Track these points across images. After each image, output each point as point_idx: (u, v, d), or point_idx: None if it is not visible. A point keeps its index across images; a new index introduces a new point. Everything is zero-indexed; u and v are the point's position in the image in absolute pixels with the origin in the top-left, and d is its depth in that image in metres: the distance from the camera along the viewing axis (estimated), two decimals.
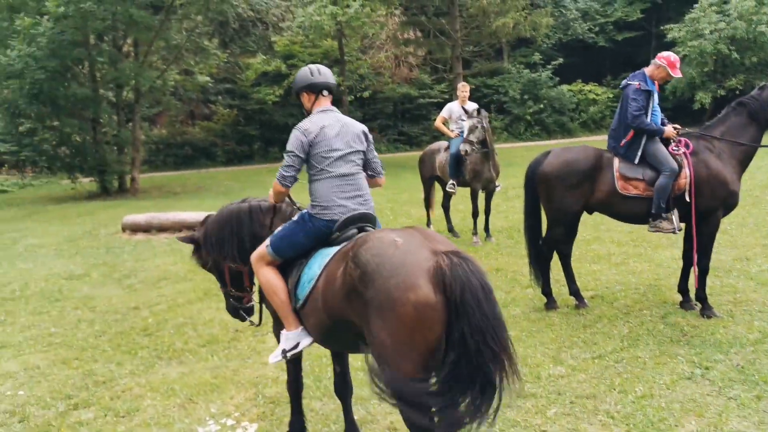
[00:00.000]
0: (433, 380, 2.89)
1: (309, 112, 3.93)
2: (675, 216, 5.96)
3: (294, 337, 3.70)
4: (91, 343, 6.27)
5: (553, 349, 5.34)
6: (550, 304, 6.47)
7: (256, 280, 4.16)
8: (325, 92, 3.92)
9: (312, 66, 3.99)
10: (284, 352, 3.73)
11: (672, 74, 6.14)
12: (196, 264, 4.57)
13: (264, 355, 5.59)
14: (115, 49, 20.07)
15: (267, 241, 3.79)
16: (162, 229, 11.98)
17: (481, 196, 9.84)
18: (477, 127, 9.09)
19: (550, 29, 28.74)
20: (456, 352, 2.82)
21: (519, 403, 4.37)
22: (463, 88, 10.18)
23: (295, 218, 3.81)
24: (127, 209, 15.52)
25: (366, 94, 27.70)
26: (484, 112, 9.33)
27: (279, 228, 3.84)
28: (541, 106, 31.68)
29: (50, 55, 17.49)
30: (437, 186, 10.76)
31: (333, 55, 28.12)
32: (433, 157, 10.39)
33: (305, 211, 3.79)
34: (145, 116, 26.08)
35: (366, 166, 3.97)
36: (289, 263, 3.75)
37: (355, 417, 4.28)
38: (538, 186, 6.39)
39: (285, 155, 3.76)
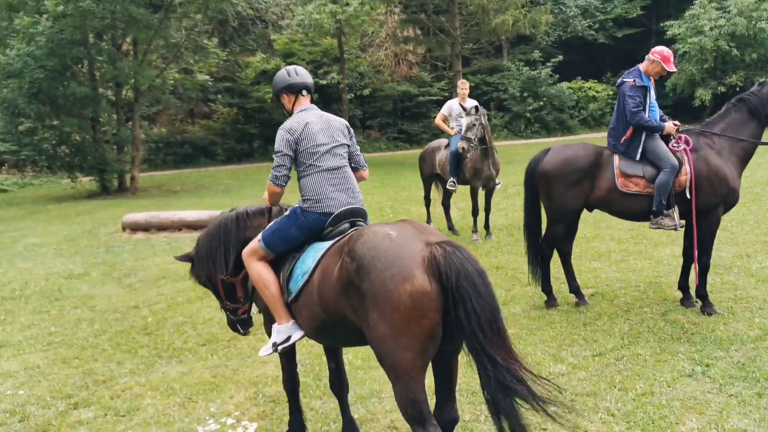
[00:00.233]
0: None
1: (289, 112, 3.99)
2: (676, 213, 5.95)
3: (285, 330, 3.72)
4: (90, 342, 6.27)
5: (554, 347, 5.33)
6: (550, 301, 6.46)
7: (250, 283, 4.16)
8: (304, 92, 3.99)
9: (288, 67, 4.06)
10: (275, 345, 3.75)
11: (666, 68, 6.10)
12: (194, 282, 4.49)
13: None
14: (114, 48, 20.07)
15: (259, 236, 3.82)
16: (162, 228, 11.98)
17: (481, 194, 9.83)
18: (475, 124, 9.07)
19: (549, 26, 28.68)
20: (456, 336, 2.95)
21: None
22: (463, 86, 10.17)
23: (287, 213, 3.85)
24: (126, 208, 15.52)
25: (366, 92, 27.67)
26: (482, 110, 9.32)
27: (271, 223, 3.87)
28: (541, 103, 31.67)
29: (49, 54, 17.49)
30: (437, 183, 10.76)
31: (332, 53, 28.11)
32: (434, 155, 10.38)
33: (297, 205, 3.83)
34: (144, 115, 26.09)
35: (349, 159, 4.00)
36: (280, 258, 3.78)
37: (355, 416, 4.28)
38: (538, 184, 6.38)
39: (274, 156, 3.81)
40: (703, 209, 5.89)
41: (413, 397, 2.95)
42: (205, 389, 4.98)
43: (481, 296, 2.88)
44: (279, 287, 3.70)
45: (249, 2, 28.71)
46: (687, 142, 5.97)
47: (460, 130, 9.79)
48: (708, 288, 6.06)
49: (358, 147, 4.11)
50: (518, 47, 35.46)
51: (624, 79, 6.18)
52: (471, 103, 9.96)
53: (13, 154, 23.50)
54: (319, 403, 4.66)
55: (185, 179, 23.35)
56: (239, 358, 5.61)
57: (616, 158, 6.11)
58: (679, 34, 29.76)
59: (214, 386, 5.03)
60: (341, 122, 4.00)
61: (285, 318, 3.71)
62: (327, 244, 3.55)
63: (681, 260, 6.38)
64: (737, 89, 26.48)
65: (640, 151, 6.03)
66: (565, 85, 32.67)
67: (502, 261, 8.33)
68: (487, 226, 9.96)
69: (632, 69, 6.24)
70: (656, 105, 6.25)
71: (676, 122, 6.20)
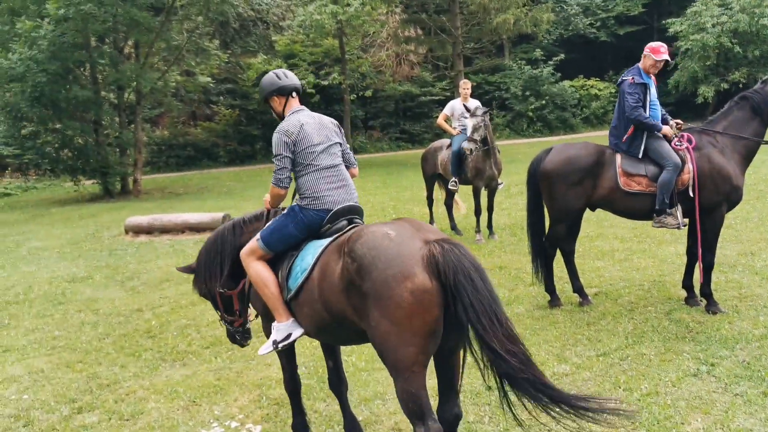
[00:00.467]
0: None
1: (280, 115, 4.04)
2: (679, 211, 5.93)
3: (285, 328, 3.74)
4: (94, 346, 6.27)
5: (557, 347, 5.32)
6: (554, 301, 6.44)
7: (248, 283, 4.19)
8: (294, 94, 4.03)
9: (277, 71, 4.09)
10: (275, 343, 3.77)
11: (656, 58, 6.07)
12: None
13: (268, 356, 5.54)
14: (116, 51, 20.09)
15: (257, 235, 3.86)
16: (164, 230, 11.99)
17: (484, 194, 9.82)
18: (481, 125, 9.09)
19: (551, 25, 28.67)
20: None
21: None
22: (465, 86, 10.16)
23: (284, 212, 3.91)
24: (129, 211, 15.54)
25: (368, 93, 27.65)
26: (485, 109, 9.33)
27: (269, 223, 3.92)
28: (543, 102, 31.63)
29: (51, 57, 17.51)
30: (440, 183, 10.75)
31: (334, 53, 28.11)
32: (436, 154, 10.37)
33: (294, 204, 3.88)
34: (146, 118, 26.09)
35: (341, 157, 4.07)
36: (277, 257, 3.82)
37: (359, 418, 4.28)
38: (540, 183, 6.37)
39: (274, 159, 3.85)
40: (707, 207, 5.87)
41: (414, 392, 3.01)
42: (209, 392, 4.98)
43: (477, 290, 2.95)
44: (278, 285, 3.73)
45: (250, 4, 28.70)
46: (690, 141, 5.95)
47: (463, 129, 9.79)
48: (712, 286, 6.03)
49: (348, 146, 4.18)
50: (520, 46, 35.43)
51: (624, 78, 6.19)
52: (473, 103, 9.95)
53: (16, 157, 23.54)
54: (323, 405, 4.65)
55: (188, 181, 23.37)
56: (243, 361, 5.60)
57: (618, 157, 6.09)
58: (681, 31, 29.70)
59: (218, 389, 5.03)
60: (332, 121, 4.07)
61: (284, 316, 3.73)
62: (325, 241, 3.59)
63: (685, 259, 6.36)
64: (740, 86, 26.41)
65: (642, 149, 6.01)
66: (567, 83, 32.63)
67: (506, 261, 8.31)
68: (490, 225, 9.94)
69: (632, 67, 6.24)
70: (658, 103, 6.23)
71: (679, 121, 6.19)
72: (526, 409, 3.04)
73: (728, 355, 4.89)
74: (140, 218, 12.41)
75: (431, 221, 10.76)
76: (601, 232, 9.47)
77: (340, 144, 4.03)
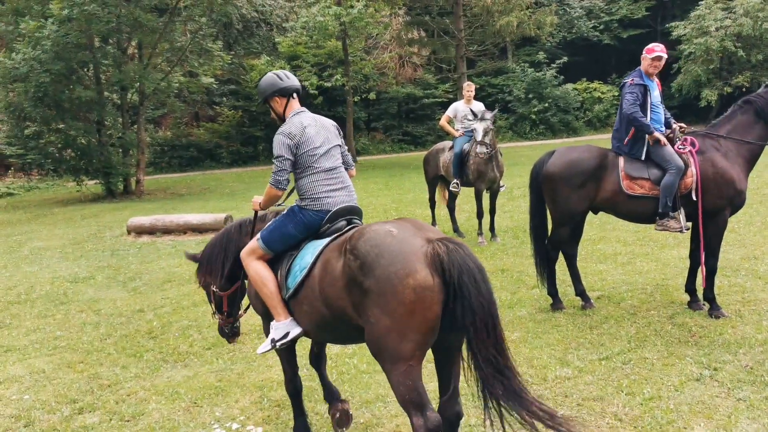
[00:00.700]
0: None
1: (281, 116, 4.05)
2: (681, 215, 5.91)
3: (283, 327, 3.77)
4: (96, 347, 6.27)
5: (560, 351, 5.30)
6: (556, 304, 6.43)
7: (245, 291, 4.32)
8: (294, 95, 4.06)
9: (278, 72, 4.11)
10: (273, 341, 3.80)
11: (649, 56, 6.10)
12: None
13: (269, 358, 5.57)
14: (119, 52, 20.11)
15: (258, 235, 3.92)
16: (167, 231, 12.00)
17: (486, 196, 9.82)
18: (491, 129, 9.12)
19: (554, 28, 28.66)
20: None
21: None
22: (469, 88, 10.15)
23: (284, 212, 3.94)
24: (132, 211, 15.56)
25: (372, 95, 27.67)
26: (493, 113, 9.36)
27: (269, 223, 3.97)
28: (546, 105, 31.62)
29: (55, 58, 17.53)
30: (442, 185, 10.74)
31: (337, 55, 28.12)
32: (438, 156, 10.38)
33: (294, 205, 3.92)
34: (149, 118, 26.17)
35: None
36: (277, 257, 3.87)
37: (360, 420, 4.28)
38: (543, 186, 6.36)
39: (274, 161, 3.87)
40: (710, 211, 5.86)
41: (412, 384, 3.07)
42: (210, 393, 4.97)
43: (481, 294, 3.01)
44: (277, 284, 3.78)
45: (253, 5, 28.74)
46: (693, 144, 5.94)
47: (466, 131, 9.81)
48: (715, 291, 6.02)
49: (346, 147, 4.22)
50: (523, 49, 35.44)
51: (624, 80, 6.23)
52: (477, 105, 9.97)
53: (20, 157, 23.60)
54: (324, 407, 4.63)
55: (190, 182, 23.39)
56: (244, 362, 5.59)
57: (621, 160, 6.08)
58: (684, 34, 29.71)
59: (220, 390, 5.02)
60: (332, 123, 4.11)
61: (283, 315, 3.77)
62: (325, 240, 3.63)
63: (688, 263, 6.34)
64: (743, 90, 26.41)
65: (644, 151, 6.01)
66: (570, 86, 32.63)
67: (508, 264, 8.30)
68: (492, 228, 9.93)
69: (633, 70, 6.26)
70: (660, 105, 6.23)
71: (682, 124, 6.19)
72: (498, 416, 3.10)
73: (731, 360, 4.87)
74: (142, 219, 12.41)
75: (433, 223, 10.76)
76: (603, 236, 9.45)
77: (340, 146, 4.07)
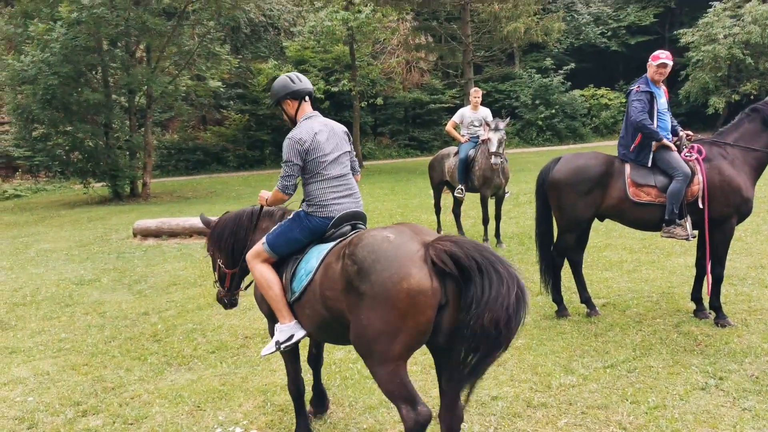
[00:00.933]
0: None
1: (292, 119, 4.08)
2: (688, 223, 5.89)
3: (287, 329, 3.83)
4: (100, 349, 6.27)
5: (564, 358, 5.28)
6: (561, 311, 6.40)
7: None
8: (306, 98, 4.07)
9: (290, 74, 4.12)
10: (278, 343, 3.87)
11: (654, 63, 6.10)
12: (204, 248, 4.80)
13: (273, 362, 5.57)
14: (127, 55, 20.20)
15: (263, 239, 3.95)
16: (173, 234, 12.02)
17: (491, 202, 9.82)
18: (505, 139, 9.16)
19: (561, 34, 28.67)
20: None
21: (529, 413, 4.33)
22: (476, 94, 10.16)
23: (290, 216, 3.99)
24: (138, 214, 15.60)
25: (379, 100, 27.73)
26: (506, 122, 9.40)
27: (275, 227, 4.02)
28: (553, 111, 31.61)
29: (63, 60, 17.63)
30: (447, 191, 10.75)
31: (344, 60, 28.19)
32: (443, 162, 10.39)
33: (300, 209, 3.96)
34: (157, 121, 26.24)
35: None
36: (282, 260, 3.92)
37: (363, 426, 4.27)
38: (549, 192, 6.35)
39: (283, 165, 3.90)
40: (717, 219, 5.83)
41: (400, 381, 3.17)
42: (213, 397, 4.96)
43: (502, 280, 3.00)
44: (282, 288, 3.83)
45: (261, 9, 28.84)
46: (699, 152, 5.92)
47: (472, 137, 9.83)
48: (722, 299, 5.98)
49: (354, 152, 4.24)
50: (530, 55, 35.46)
51: (631, 87, 6.21)
52: (483, 111, 10.00)
53: (27, 159, 23.73)
54: (326, 412, 4.63)
55: (197, 185, 23.45)
56: (248, 366, 5.59)
57: (627, 168, 6.06)
58: (692, 42, 29.67)
59: (223, 394, 5.01)
60: (342, 129, 4.12)
61: (288, 318, 3.82)
62: (330, 245, 3.68)
63: (694, 271, 6.32)
64: (751, 98, 26.34)
65: (651, 157, 5.99)
66: (577, 92, 32.64)
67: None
68: (497, 234, 9.92)
69: (640, 77, 6.25)
70: (667, 113, 6.20)
71: (689, 132, 6.18)
72: None
73: (737, 369, 4.84)
74: (148, 221, 12.44)
75: (439, 229, 10.75)
76: (609, 243, 9.42)
77: (350, 152, 4.09)
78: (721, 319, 5.83)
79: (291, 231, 3.87)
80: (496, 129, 9.13)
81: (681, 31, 31.19)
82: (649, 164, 6.00)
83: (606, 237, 9.73)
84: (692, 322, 5.98)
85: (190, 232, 11.98)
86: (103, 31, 18.03)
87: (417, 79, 33.69)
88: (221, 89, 25.44)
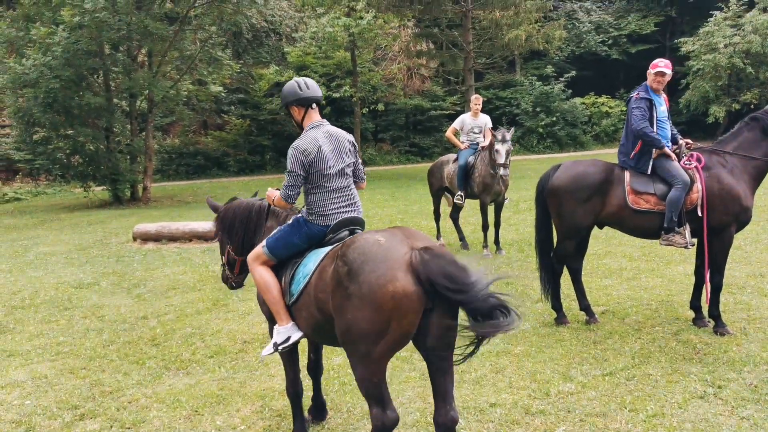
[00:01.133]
0: None
1: (299, 124, 4.12)
2: (687, 231, 5.89)
3: (285, 331, 3.92)
4: (98, 353, 6.26)
5: (563, 365, 5.28)
6: (561, 319, 6.40)
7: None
8: (314, 105, 4.09)
9: (299, 79, 4.13)
10: (276, 345, 3.96)
11: (653, 71, 6.12)
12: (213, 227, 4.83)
13: (271, 367, 5.56)
14: (129, 59, 20.22)
15: (263, 242, 4.04)
16: (172, 238, 12.01)
17: (491, 209, 9.82)
18: (511, 150, 9.17)
19: (563, 42, 28.72)
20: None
21: (527, 420, 4.32)
22: (476, 101, 10.17)
23: (290, 222, 4.05)
24: (138, 218, 15.59)
25: (380, 107, 27.74)
26: (512, 132, 9.43)
27: (275, 230, 4.08)
28: (554, 118, 31.64)
29: (65, 64, 17.63)
30: (447, 197, 10.75)
31: (345, 66, 28.23)
32: (442, 168, 10.40)
33: (300, 215, 4.03)
34: (158, 126, 26.24)
35: (353, 172, 4.19)
36: (282, 263, 4.00)
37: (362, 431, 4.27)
38: (549, 200, 6.35)
39: (287, 174, 3.96)
40: (716, 228, 5.83)
41: (378, 380, 3.28)
42: (211, 402, 4.96)
43: (460, 289, 3.09)
44: (280, 290, 3.92)
45: (263, 15, 28.90)
46: (699, 160, 5.92)
47: (471, 145, 9.85)
48: (721, 308, 5.98)
49: (360, 160, 4.28)
50: (531, 62, 35.52)
51: (631, 95, 6.22)
52: (483, 118, 10.03)
53: (28, 162, 23.70)
54: (324, 420, 4.62)
55: (197, 190, 23.45)
56: (247, 371, 5.58)
57: (627, 175, 6.07)
58: (693, 50, 29.74)
59: (221, 399, 5.01)
60: (349, 140, 4.13)
61: (285, 320, 3.92)
62: (327, 249, 3.77)
63: (693, 279, 6.32)
64: (752, 107, 26.38)
65: (650, 165, 6.00)
66: (578, 100, 32.67)
67: (512, 277, 8.27)
68: (497, 241, 9.92)
69: (640, 85, 6.26)
70: (666, 121, 6.21)
71: (688, 140, 6.19)
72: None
73: (735, 378, 4.84)
74: (148, 225, 12.43)
75: (438, 236, 10.75)
76: (609, 250, 9.43)
77: (354, 163, 4.13)
78: (720, 328, 5.83)
79: (290, 236, 3.94)
80: (503, 140, 9.12)
81: (682, 39, 31.26)
82: (649, 172, 6.01)
83: (606, 244, 9.73)
84: (691, 330, 5.98)
85: (189, 237, 11.97)
86: (105, 35, 18.04)
87: (418, 86, 33.74)
88: (222, 94, 25.44)
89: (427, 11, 26.30)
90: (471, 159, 9.76)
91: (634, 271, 8.27)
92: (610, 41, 35.56)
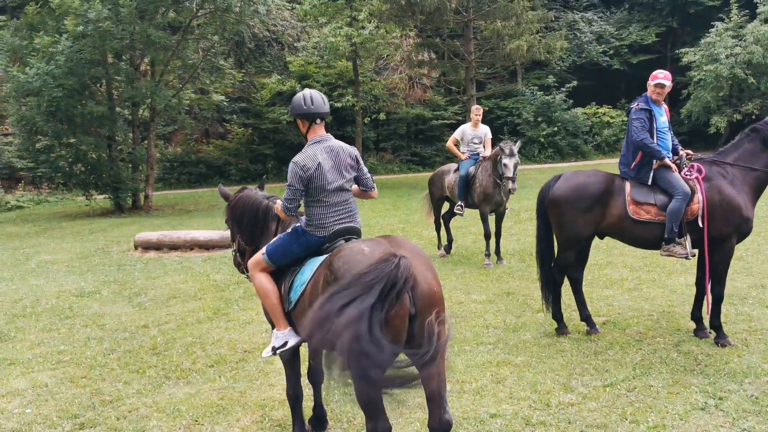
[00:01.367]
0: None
1: (304, 136, 4.23)
2: (688, 241, 5.89)
3: (282, 336, 4.11)
4: (99, 362, 6.26)
5: (564, 376, 5.27)
6: (561, 329, 6.39)
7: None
8: (318, 120, 4.16)
9: (306, 94, 4.19)
10: (274, 348, 4.14)
11: (652, 83, 6.14)
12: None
13: (272, 376, 5.56)
14: (132, 68, 20.30)
15: (263, 249, 4.18)
16: (174, 247, 12.02)
17: (492, 219, 9.84)
18: (519, 163, 9.28)
19: (564, 52, 28.77)
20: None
21: (528, 431, 4.31)
22: (477, 111, 10.21)
23: (288, 230, 4.17)
24: (139, 227, 15.60)
25: (382, 116, 27.75)
26: (519, 145, 9.53)
27: (275, 238, 4.24)
28: (555, 128, 31.65)
29: (68, 73, 17.70)
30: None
31: (347, 75, 28.30)
32: (443, 178, 10.43)
33: (299, 225, 4.14)
34: (160, 134, 26.29)
35: (359, 183, 4.32)
36: (282, 270, 4.14)
37: None
38: (549, 210, 6.36)
39: (287, 188, 4.07)
40: (716, 239, 5.84)
41: (371, 391, 3.32)
42: (211, 412, 4.95)
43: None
44: (279, 297, 4.09)
45: (265, 24, 28.99)
46: (699, 171, 5.93)
47: (472, 155, 9.88)
48: (722, 319, 5.98)
49: (366, 170, 4.35)
50: (532, 72, 35.57)
51: (631, 105, 6.24)
52: (483, 128, 10.09)
53: (30, 171, 23.73)
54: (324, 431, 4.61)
55: (199, 199, 23.47)
56: (247, 381, 5.58)
57: (627, 185, 6.08)
58: (694, 61, 29.77)
59: (221, 409, 5.00)
60: (351, 154, 4.19)
61: (283, 325, 4.10)
62: (323, 258, 3.89)
63: (694, 290, 6.31)
64: (753, 117, 26.40)
65: (651, 176, 6.00)
66: (579, 110, 32.69)
67: (513, 287, 8.27)
68: (498, 251, 9.93)
69: (641, 96, 6.28)
70: (667, 132, 6.22)
71: (689, 151, 6.20)
72: None
73: (737, 389, 4.83)
74: (150, 234, 12.44)
75: (439, 245, 10.77)
76: (610, 261, 9.42)
77: (355, 176, 4.23)
78: (721, 339, 5.82)
79: (289, 245, 4.09)
80: (511, 155, 9.16)
81: (683, 50, 31.31)
82: (650, 182, 6.01)
83: (607, 255, 9.73)
84: (692, 341, 5.97)
85: (191, 245, 11.99)
86: (108, 44, 18.12)
87: (420, 95, 33.80)
88: (224, 103, 25.52)
89: (428, 21, 26.37)
90: (472, 169, 9.78)
91: (636, 281, 8.27)
92: (611, 51, 35.63)
